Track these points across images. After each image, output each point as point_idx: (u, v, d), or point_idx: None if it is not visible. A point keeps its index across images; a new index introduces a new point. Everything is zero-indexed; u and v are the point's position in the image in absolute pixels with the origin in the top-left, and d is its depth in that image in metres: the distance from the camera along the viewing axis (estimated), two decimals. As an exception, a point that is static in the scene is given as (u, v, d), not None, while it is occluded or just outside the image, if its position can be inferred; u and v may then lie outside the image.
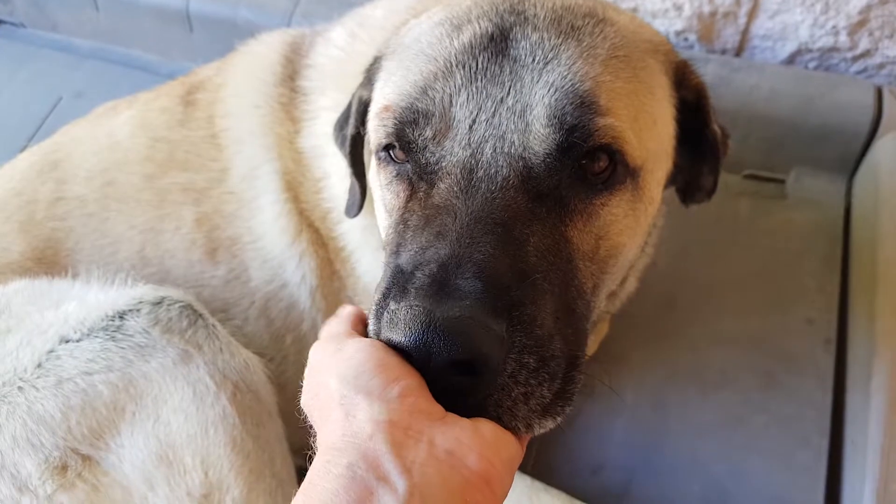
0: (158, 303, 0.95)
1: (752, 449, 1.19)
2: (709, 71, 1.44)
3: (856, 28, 1.46)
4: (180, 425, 0.90)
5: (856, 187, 1.43)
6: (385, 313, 0.63)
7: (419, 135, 0.74)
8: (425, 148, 0.74)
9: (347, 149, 0.95)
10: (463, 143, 0.72)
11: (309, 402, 0.65)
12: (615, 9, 0.86)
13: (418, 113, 0.74)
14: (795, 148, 1.44)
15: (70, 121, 1.29)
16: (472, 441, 0.57)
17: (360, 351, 0.61)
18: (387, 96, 0.80)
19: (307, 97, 1.11)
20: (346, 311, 0.72)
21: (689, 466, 1.19)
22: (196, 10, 1.82)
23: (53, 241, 1.12)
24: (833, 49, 1.51)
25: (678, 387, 1.27)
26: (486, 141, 0.71)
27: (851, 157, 1.43)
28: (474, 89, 0.73)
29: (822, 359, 1.26)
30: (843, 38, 1.49)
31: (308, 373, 0.67)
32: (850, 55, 1.51)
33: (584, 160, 0.73)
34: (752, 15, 1.51)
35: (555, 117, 0.71)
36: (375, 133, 0.80)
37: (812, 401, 1.22)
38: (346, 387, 0.59)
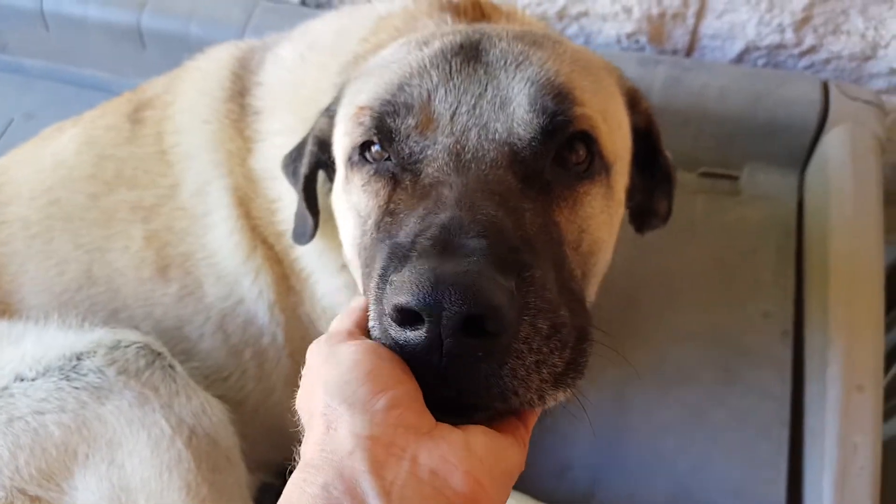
0: (114, 346, 0.94)
1: (715, 443, 1.20)
2: (660, 72, 1.46)
3: (800, 25, 1.49)
4: (134, 469, 0.89)
5: (807, 181, 1.45)
6: (387, 288, 0.59)
7: (401, 123, 0.74)
8: (408, 137, 0.73)
9: (300, 185, 0.95)
10: (446, 131, 0.72)
11: (301, 405, 0.62)
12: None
13: (398, 105, 0.74)
14: (747, 144, 1.46)
15: (21, 143, 1.27)
16: (460, 458, 0.53)
17: (350, 356, 0.58)
18: (360, 101, 0.80)
19: (258, 116, 1.11)
20: (354, 305, 0.68)
21: (653, 463, 1.20)
22: (148, 27, 1.80)
23: None
24: (780, 46, 1.54)
25: (639, 385, 1.27)
26: (470, 129, 0.72)
27: (801, 151, 1.45)
28: (451, 86, 0.74)
29: (780, 351, 1.27)
30: (790, 35, 1.51)
31: (305, 373, 0.64)
32: (796, 51, 1.54)
33: (563, 150, 0.74)
34: (699, 15, 1.53)
35: (536, 103, 0.72)
36: (350, 135, 0.80)
37: (771, 393, 1.23)
38: (330, 396, 0.55)
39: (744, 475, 1.17)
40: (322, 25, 1.14)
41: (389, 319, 0.58)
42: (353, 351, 0.58)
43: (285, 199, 1.06)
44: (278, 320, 1.11)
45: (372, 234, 0.75)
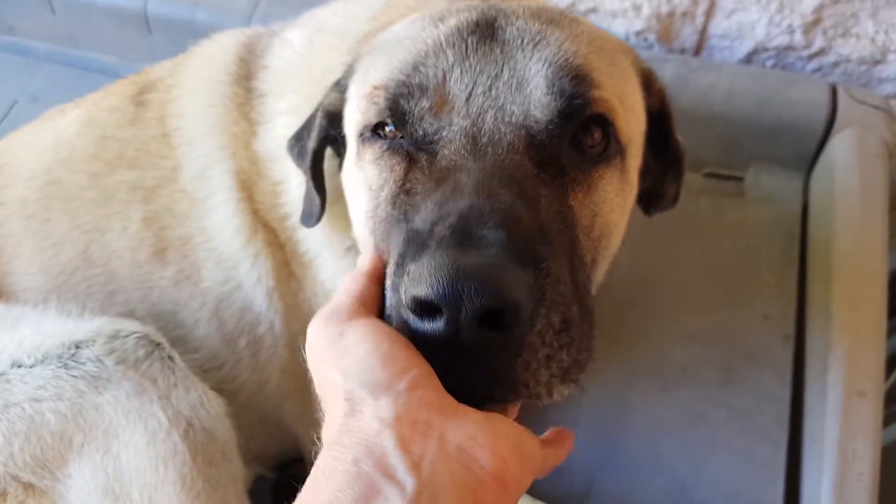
0: (114, 335, 0.94)
1: (714, 444, 1.20)
2: (668, 71, 1.45)
3: (810, 27, 1.48)
4: (130, 460, 0.88)
5: (812, 184, 1.44)
6: (405, 277, 0.59)
7: (415, 105, 0.73)
8: (422, 119, 0.73)
9: (308, 162, 0.93)
10: (462, 113, 0.71)
11: (317, 387, 0.62)
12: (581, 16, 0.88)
13: (412, 87, 0.73)
14: (753, 146, 1.46)
15: (25, 125, 1.26)
16: (486, 437, 0.54)
17: (364, 340, 0.58)
18: (374, 79, 0.79)
19: (263, 99, 1.10)
20: (352, 283, 0.67)
21: (651, 464, 1.19)
22: (154, 12, 1.79)
23: None
24: (789, 48, 1.53)
25: (640, 384, 1.27)
26: (486, 111, 0.71)
27: (808, 154, 1.44)
28: (467, 66, 0.73)
29: (781, 353, 1.26)
30: (799, 37, 1.50)
31: (310, 358, 0.63)
32: (805, 53, 1.53)
33: (579, 133, 0.73)
34: (709, 14, 1.52)
35: (554, 86, 0.71)
36: (364, 114, 0.79)
37: (771, 395, 1.22)
38: (351, 381, 0.56)
39: (742, 477, 1.16)
40: (330, 10, 1.14)
41: (407, 310, 0.58)
42: (364, 334, 0.58)
43: (290, 182, 1.05)
44: (276, 308, 1.10)
45: (386, 207, 0.74)
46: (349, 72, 0.90)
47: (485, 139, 0.69)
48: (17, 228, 1.10)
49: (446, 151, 0.70)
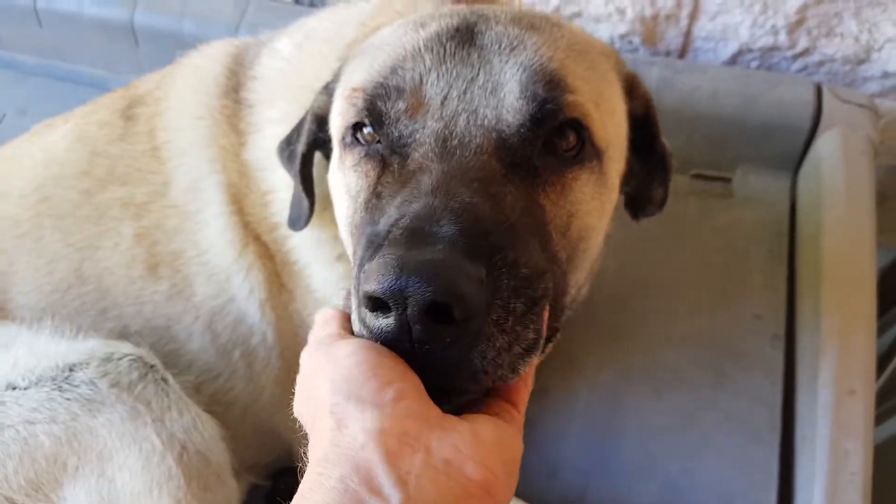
0: (107, 358, 0.94)
1: (706, 447, 1.20)
2: (653, 74, 1.46)
3: (794, 27, 1.49)
4: (125, 483, 0.89)
5: (799, 183, 1.45)
6: (361, 276, 0.60)
7: (391, 107, 0.74)
8: (398, 121, 0.74)
9: (297, 166, 0.94)
10: (436, 116, 0.73)
11: (301, 408, 0.63)
12: (566, 20, 0.89)
13: (389, 88, 0.75)
14: (740, 146, 1.46)
15: (13, 139, 1.26)
16: (471, 448, 0.54)
17: (351, 354, 0.58)
18: (354, 81, 0.81)
19: (252, 108, 1.10)
20: (330, 313, 0.69)
21: (644, 466, 1.20)
22: (141, 24, 1.79)
23: None
24: (773, 48, 1.54)
25: (632, 387, 1.27)
26: (459, 114, 0.72)
27: (794, 153, 1.45)
28: (444, 70, 0.75)
29: (771, 355, 1.27)
30: (783, 38, 1.51)
31: (300, 379, 0.65)
32: (790, 54, 1.53)
33: (553, 136, 0.74)
34: (693, 17, 1.53)
35: (527, 91, 0.73)
36: (343, 116, 0.80)
37: (762, 397, 1.23)
38: (337, 394, 0.56)
39: (735, 479, 1.16)
40: (318, 18, 1.14)
41: (364, 309, 0.60)
42: (351, 349, 0.59)
43: (280, 191, 1.06)
44: (269, 319, 1.11)
45: (361, 213, 0.76)
46: (337, 76, 0.91)
47: (455, 142, 0.71)
48: (10, 246, 1.10)
49: (416, 154, 0.72)
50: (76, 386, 0.90)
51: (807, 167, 1.44)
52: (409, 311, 0.56)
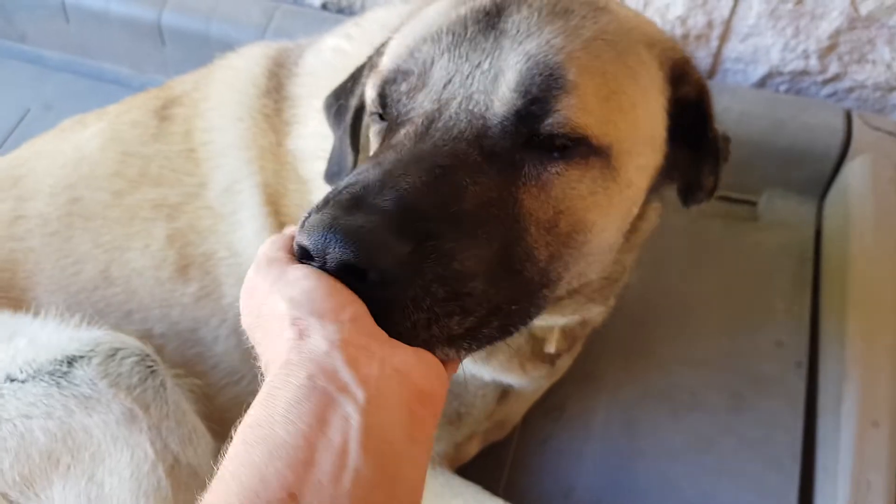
0: (112, 354, 0.93)
1: (723, 472, 1.19)
2: (681, 93, 1.45)
3: (826, 52, 1.48)
4: (113, 488, 0.88)
5: (826, 209, 1.44)
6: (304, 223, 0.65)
7: (395, 90, 0.77)
8: (398, 101, 0.77)
9: (349, 120, 0.95)
10: (433, 97, 0.74)
11: (252, 323, 0.67)
12: (622, 5, 0.87)
13: (399, 72, 0.77)
14: (767, 170, 1.45)
15: (38, 134, 1.26)
16: (416, 361, 0.61)
17: (308, 276, 0.62)
18: (382, 62, 0.83)
19: (297, 101, 1.10)
20: (280, 238, 0.72)
21: (659, 489, 1.19)
22: (168, 24, 1.79)
23: (11, 263, 1.09)
24: (804, 72, 1.53)
25: (649, 408, 1.26)
26: (455, 98, 0.73)
27: (822, 179, 1.44)
28: (456, 54, 0.75)
29: (793, 382, 1.26)
30: (814, 62, 1.50)
31: (245, 294, 0.68)
32: (820, 79, 1.53)
33: (542, 131, 0.73)
34: (723, 38, 1.52)
35: (522, 84, 0.72)
36: (368, 93, 0.84)
37: (783, 424, 1.22)
38: (298, 309, 0.60)
39: (753, 506, 1.15)
40: (358, 21, 1.14)
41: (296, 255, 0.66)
42: (307, 272, 0.63)
43: (317, 181, 1.05)
44: None
45: None
46: (388, 42, 0.91)
47: (440, 124, 0.72)
48: (38, 245, 1.09)
49: (401, 131, 0.74)
50: (76, 384, 0.89)
51: (834, 193, 1.43)
52: (327, 265, 0.62)
